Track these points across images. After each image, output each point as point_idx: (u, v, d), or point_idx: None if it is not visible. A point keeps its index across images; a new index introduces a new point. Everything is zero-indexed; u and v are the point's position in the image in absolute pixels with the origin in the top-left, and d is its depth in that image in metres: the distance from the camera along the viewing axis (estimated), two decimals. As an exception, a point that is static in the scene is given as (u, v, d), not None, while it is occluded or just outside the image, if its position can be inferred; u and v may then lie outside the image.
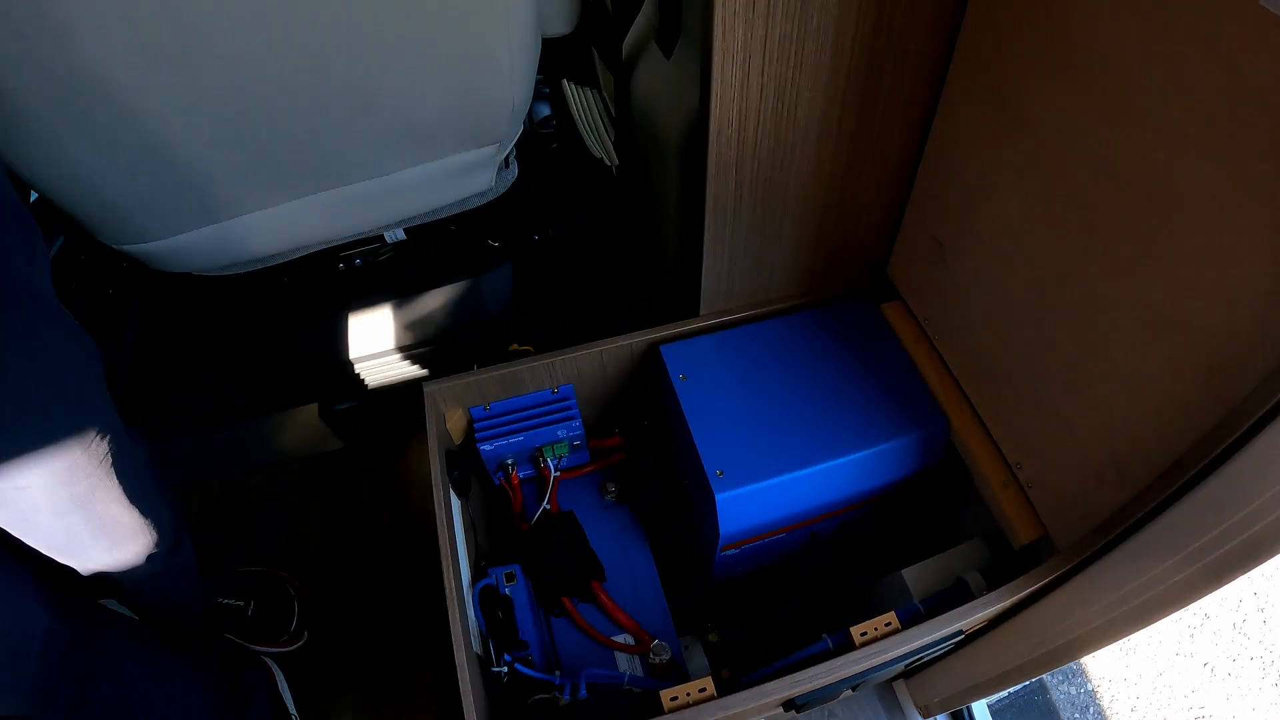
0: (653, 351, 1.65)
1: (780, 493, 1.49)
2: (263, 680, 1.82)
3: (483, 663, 1.41)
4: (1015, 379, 1.38)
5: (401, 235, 1.79)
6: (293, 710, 1.84)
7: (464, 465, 1.59)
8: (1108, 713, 2.35)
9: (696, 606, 1.84)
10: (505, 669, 1.42)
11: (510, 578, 1.58)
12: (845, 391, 1.58)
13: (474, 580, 1.53)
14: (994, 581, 1.35)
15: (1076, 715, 2.36)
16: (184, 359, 1.97)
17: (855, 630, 1.33)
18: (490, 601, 1.51)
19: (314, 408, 2.08)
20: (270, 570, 2.00)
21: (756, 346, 1.64)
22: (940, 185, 1.45)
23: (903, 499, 1.66)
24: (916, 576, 1.55)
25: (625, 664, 1.64)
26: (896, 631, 1.31)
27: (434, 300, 1.93)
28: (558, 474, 1.69)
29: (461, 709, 1.20)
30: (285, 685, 1.87)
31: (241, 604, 1.86)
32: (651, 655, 1.61)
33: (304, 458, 2.23)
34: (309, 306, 1.91)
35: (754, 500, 1.47)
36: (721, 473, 1.47)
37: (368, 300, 1.92)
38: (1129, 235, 1.04)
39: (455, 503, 1.57)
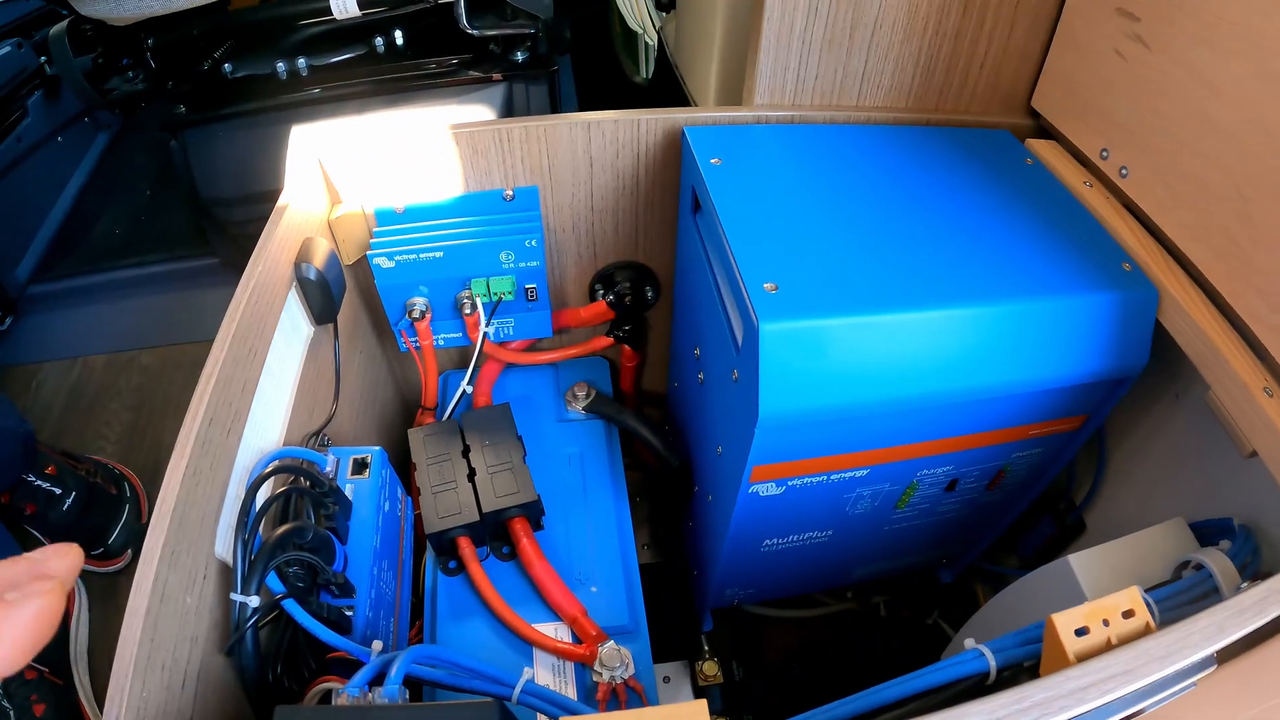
0: (671, 143, 0.92)
1: (874, 349, 0.73)
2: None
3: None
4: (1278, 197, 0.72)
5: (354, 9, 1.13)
6: (76, 653, 1.15)
7: (332, 278, 0.86)
8: None
9: (695, 618, 1.01)
10: (252, 612, 0.64)
11: (360, 467, 0.82)
12: (981, 226, 0.84)
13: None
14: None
15: None
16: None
17: (1060, 621, 0.60)
18: (303, 478, 0.76)
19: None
20: (112, 465, 1.33)
21: (836, 150, 0.91)
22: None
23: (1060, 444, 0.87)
24: (1094, 564, 0.81)
25: (549, 672, 0.83)
26: (1144, 633, 0.61)
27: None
28: (487, 329, 0.93)
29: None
30: (85, 620, 1.21)
31: (58, 492, 1.20)
32: (597, 667, 0.81)
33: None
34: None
35: (824, 350, 0.72)
36: (774, 287, 0.71)
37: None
38: None
39: (303, 327, 0.84)
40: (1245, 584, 0.70)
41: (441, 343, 0.97)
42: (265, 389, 0.75)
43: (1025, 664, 0.66)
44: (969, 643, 0.69)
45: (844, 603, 1.13)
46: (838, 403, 0.73)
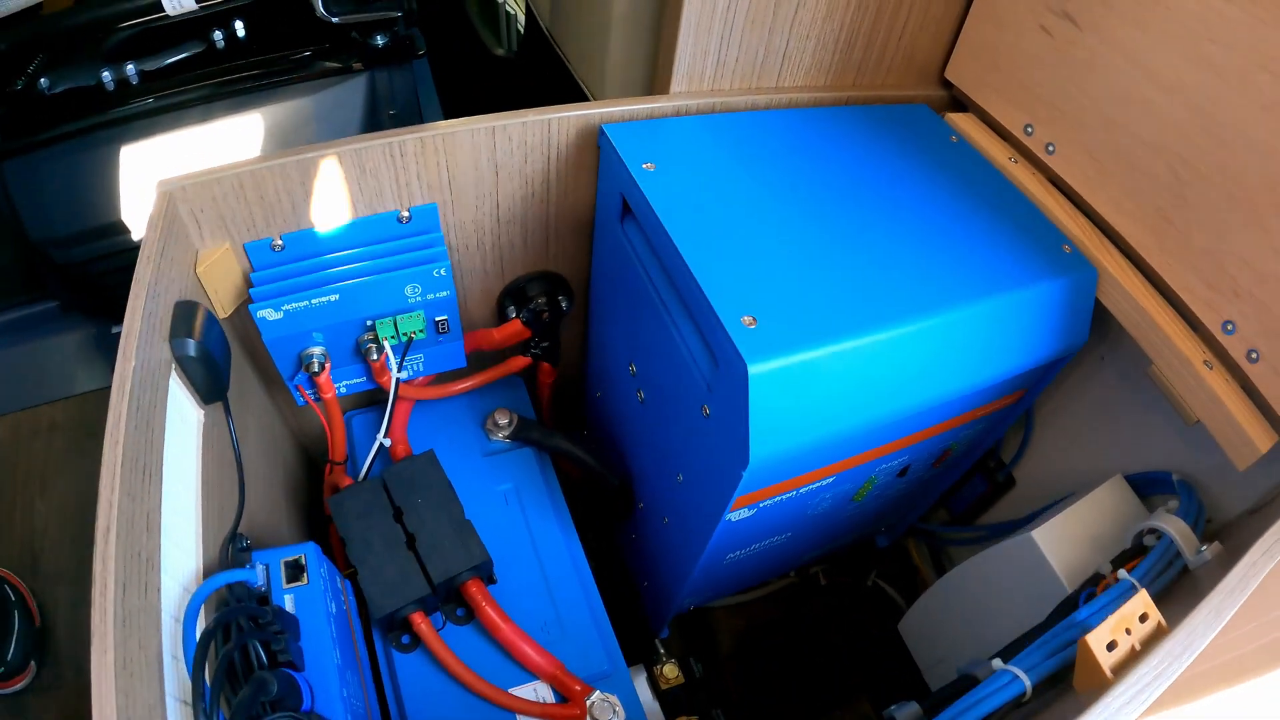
0: (585, 142, 0.78)
1: (858, 374, 0.65)
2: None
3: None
4: (1213, 179, 0.70)
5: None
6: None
7: (214, 346, 0.67)
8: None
9: (644, 622, 0.93)
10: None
11: (296, 571, 0.66)
12: (926, 217, 0.76)
13: (210, 573, 0.61)
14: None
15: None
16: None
17: (1093, 641, 0.58)
18: (242, 619, 0.59)
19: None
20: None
21: (765, 141, 0.80)
22: None
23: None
24: (1056, 538, 0.78)
25: None
26: (1159, 633, 0.60)
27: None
28: (400, 375, 0.77)
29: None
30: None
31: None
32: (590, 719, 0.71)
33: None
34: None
35: (812, 383, 0.63)
36: (753, 321, 0.59)
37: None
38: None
39: (192, 415, 0.65)
40: (1205, 547, 0.70)
41: (344, 390, 0.80)
42: (168, 512, 0.58)
43: (1056, 675, 0.63)
44: (996, 663, 0.65)
45: (784, 579, 1.09)
46: (826, 433, 0.65)
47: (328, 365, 0.77)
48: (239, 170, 0.69)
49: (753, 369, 0.58)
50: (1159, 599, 0.65)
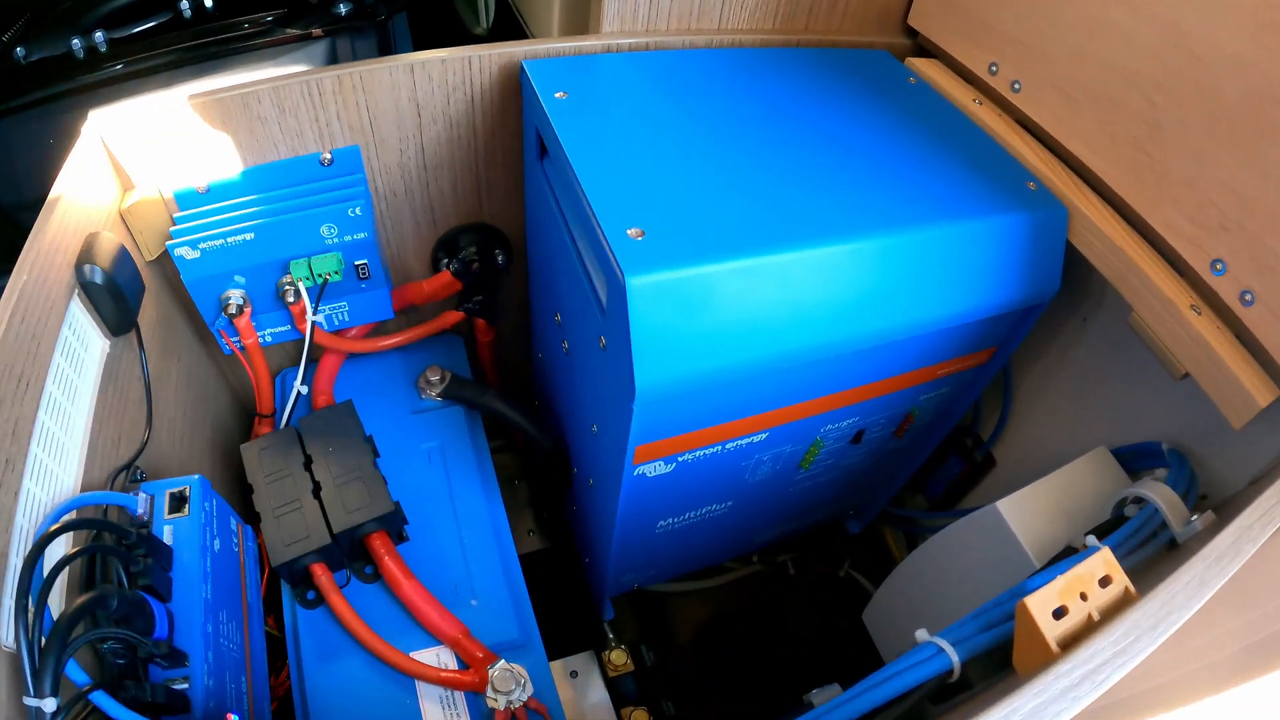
0: (510, 83, 0.72)
1: (763, 296, 0.56)
2: None
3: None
4: (1191, 101, 0.60)
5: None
6: None
7: (124, 280, 0.63)
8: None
9: (595, 607, 0.83)
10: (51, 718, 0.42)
11: (178, 503, 0.59)
12: (871, 151, 0.67)
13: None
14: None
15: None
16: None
17: (1034, 605, 0.48)
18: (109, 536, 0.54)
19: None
20: None
21: (698, 76, 0.72)
22: None
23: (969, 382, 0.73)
24: (1025, 510, 0.66)
25: (436, 706, 0.64)
26: (1126, 601, 0.49)
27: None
28: (315, 318, 0.71)
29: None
30: None
31: None
32: (490, 693, 0.61)
33: None
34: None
35: (706, 303, 0.54)
36: (640, 232, 0.51)
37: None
38: None
39: (96, 343, 0.61)
40: (1196, 517, 0.57)
41: (269, 339, 0.75)
42: (48, 426, 0.53)
43: (992, 652, 0.51)
44: (921, 634, 0.53)
45: (750, 566, 0.97)
46: (727, 363, 0.55)
47: (247, 309, 0.72)
48: (166, 113, 0.65)
49: (632, 280, 0.50)
50: (1136, 572, 0.53)
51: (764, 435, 0.67)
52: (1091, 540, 0.57)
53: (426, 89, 0.70)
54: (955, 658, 0.50)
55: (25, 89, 0.98)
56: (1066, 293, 0.69)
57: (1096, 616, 0.47)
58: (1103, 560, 0.49)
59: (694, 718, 0.85)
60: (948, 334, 0.66)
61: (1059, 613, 0.46)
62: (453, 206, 0.78)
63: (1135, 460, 0.69)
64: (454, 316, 0.81)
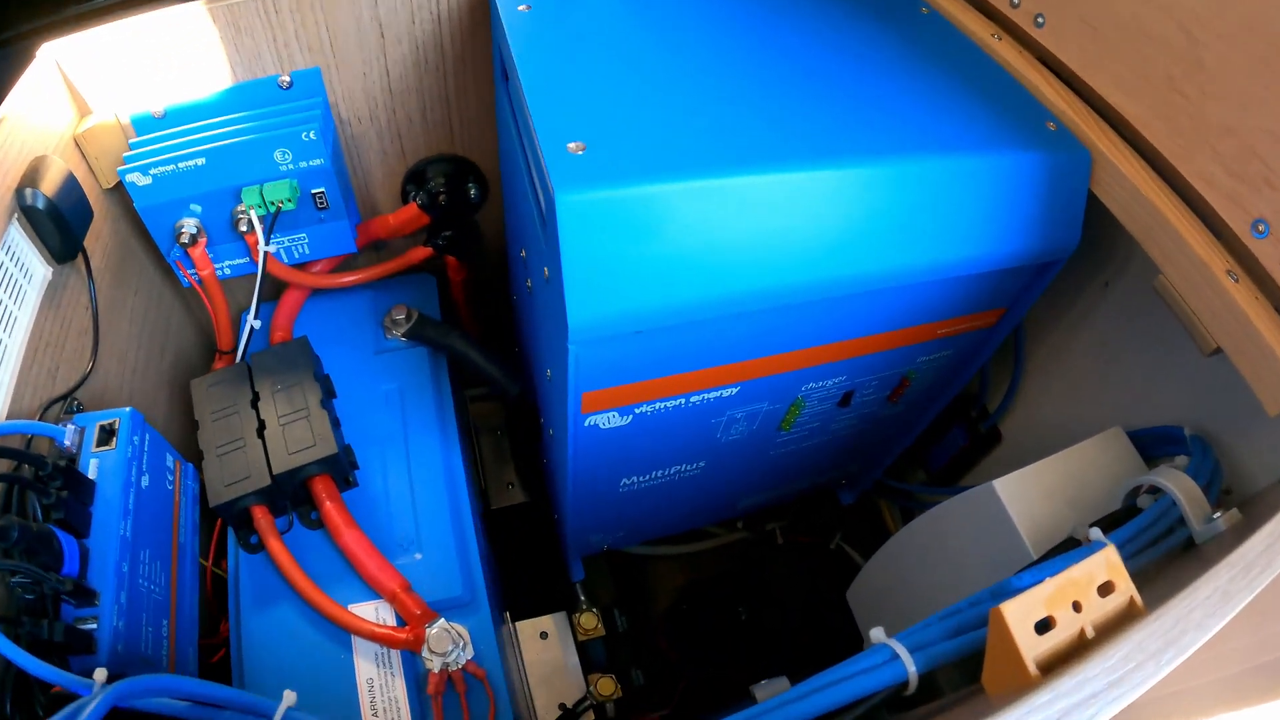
0: (479, 3, 0.64)
1: (725, 225, 0.48)
2: None
3: None
4: (1236, 36, 0.49)
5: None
6: None
7: (69, 207, 0.58)
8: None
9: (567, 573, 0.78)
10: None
11: (108, 435, 0.55)
12: (867, 79, 0.58)
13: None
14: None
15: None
16: None
17: (1011, 614, 0.37)
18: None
19: None
20: None
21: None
22: None
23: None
24: (1024, 491, 0.57)
25: (371, 663, 0.59)
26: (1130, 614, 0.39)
27: None
28: (268, 248, 0.66)
29: None
30: None
31: None
32: (425, 653, 0.56)
33: None
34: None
35: (655, 228, 0.47)
36: (581, 146, 0.44)
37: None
38: None
39: (37, 269, 0.57)
40: (1219, 514, 0.48)
41: (228, 271, 0.70)
42: None
43: (957, 664, 0.43)
44: (876, 633, 0.45)
45: (735, 532, 0.90)
46: (681, 301, 0.48)
47: (202, 239, 0.67)
48: (122, 33, 0.60)
49: (563, 198, 0.43)
50: (1145, 576, 0.44)
51: (735, 390, 0.59)
52: (1096, 534, 0.48)
53: (389, 6, 0.64)
54: (912, 668, 0.42)
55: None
56: (1087, 251, 0.60)
57: (1091, 633, 0.38)
58: (1105, 562, 0.40)
59: (664, 689, 0.79)
60: (949, 287, 0.57)
61: (1043, 625, 0.37)
62: (422, 136, 0.72)
63: (1153, 445, 0.60)
64: (422, 253, 0.75)
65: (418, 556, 0.64)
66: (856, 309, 0.56)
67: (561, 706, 0.76)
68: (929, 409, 0.73)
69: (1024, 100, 0.59)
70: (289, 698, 0.47)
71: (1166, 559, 0.49)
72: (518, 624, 0.79)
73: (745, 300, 0.50)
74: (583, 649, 0.79)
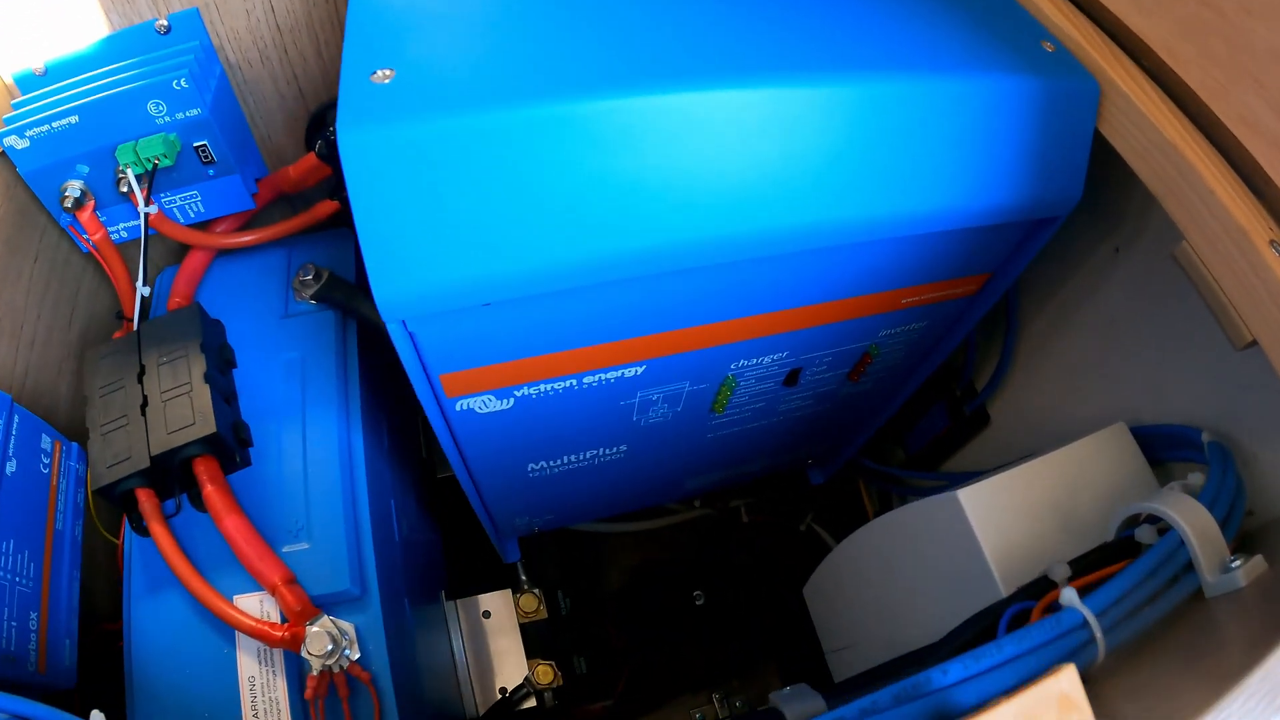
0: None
1: (590, 160, 0.37)
2: None
3: None
4: None
5: None
6: None
7: None
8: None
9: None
10: None
11: None
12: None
13: None
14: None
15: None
16: None
17: None
18: None
19: None
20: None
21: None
22: None
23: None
24: (996, 504, 0.45)
25: (254, 661, 0.52)
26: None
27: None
28: (148, 209, 0.58)
29: None
30: None
31: None
32: (304, 653, 0.51)
33: None
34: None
35: (491, 172, 0.36)
36: (389, 74, 0.35)
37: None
38: None
39: None
40: (1237, 560, 0.36)
41: (124, 235, 0.63)
42: None
43: None
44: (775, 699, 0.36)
45: (695, 510, 0.80)
46: (538, 264, 0.38)
47: (90, 202, 0.60)
48: None
49: (346, 135, 0.33)
50: (1137, 645, 0.33)
51: (640, 369, 0.49)
52: (1070, 598, 0.36)
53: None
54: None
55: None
56: (1093, 207, 0.46)
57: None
58: (1066, 684, 0.29)
59: (607, 677, 0.71)
60: (916, 245, 0.45)
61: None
62: (321, 77, 0.62)
63: (1163, 447, 0.47)
64: (329, 206, 0.66)
65: (305, 546, 0.57)
66: (793, 272, 0.45)
67: (502, 691, 0.70)
68: (904, 386, 0.61)
69: (1016, 15, 0.45)
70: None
71: (1167, 620, 0.37)
72: (459, 601, 0.72)
73: (630, 263, 0.39)
74: (525, 631, 0.72)
